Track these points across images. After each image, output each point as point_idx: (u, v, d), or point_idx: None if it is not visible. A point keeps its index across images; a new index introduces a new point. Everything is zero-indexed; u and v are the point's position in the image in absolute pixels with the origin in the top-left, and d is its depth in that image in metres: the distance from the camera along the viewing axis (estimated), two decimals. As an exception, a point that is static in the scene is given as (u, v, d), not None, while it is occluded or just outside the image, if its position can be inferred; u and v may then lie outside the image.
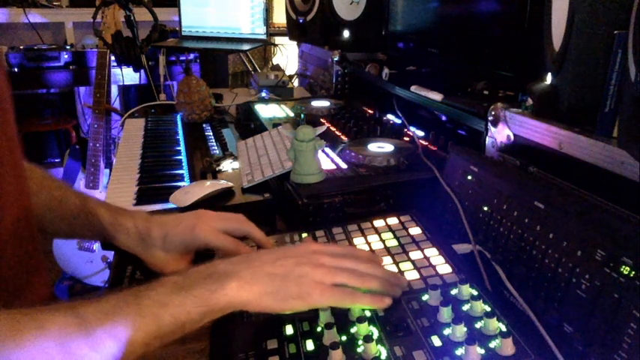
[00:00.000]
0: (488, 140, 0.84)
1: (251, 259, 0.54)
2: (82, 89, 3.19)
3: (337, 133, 1.14)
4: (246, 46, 2.01)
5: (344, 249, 0.63)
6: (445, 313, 0.53)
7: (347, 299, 0.53)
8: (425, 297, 0.57)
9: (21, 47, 2.63)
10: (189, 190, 0.89)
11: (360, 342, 0.50)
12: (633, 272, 0.46)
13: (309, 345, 0.52)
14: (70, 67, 2.59)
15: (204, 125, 1.40)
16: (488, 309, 0.53)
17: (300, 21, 1.67)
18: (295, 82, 2.15)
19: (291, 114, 1.34)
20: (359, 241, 0.70)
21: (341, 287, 0.53)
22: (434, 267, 0.62)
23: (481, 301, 0.53)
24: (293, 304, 0.51)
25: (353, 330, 0.53)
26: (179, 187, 0.95)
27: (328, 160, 0.95)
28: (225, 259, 0.55)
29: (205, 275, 0.51)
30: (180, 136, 1.36)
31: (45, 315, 0.44)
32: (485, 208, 0.69)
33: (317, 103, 1.42)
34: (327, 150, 0.99)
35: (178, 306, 0.48)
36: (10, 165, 0.59)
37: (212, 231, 0.66)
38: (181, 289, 0.49)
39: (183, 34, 2.19)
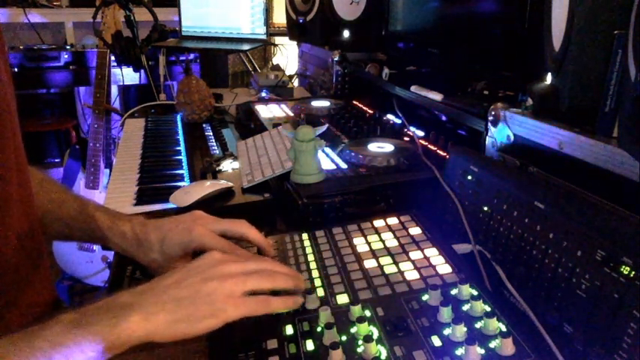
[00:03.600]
0: (488, 140, 0.84)
1: (153, 286, 0.52)
2: (82, 89, 3.19)
3: (337, 133, 1.14)
4: (246, 46, 2.01)
5: (244, 251, 0.64)
6: (445, 313, 0.53)
7: (261, 307, 0.52)
8: (425, 297, 0.57)
9: (21, 47, 2.63)
10: (189, 190, 0.89)
11: (361, 342, 0.50)
12: (633, 272, 0.46)
13: (309, 345, 0.52)
14: (70, 67, 2.59)
15: (204, 125, 1.40)
16: (488, 309, 0.53)
17: (300, 21, 1.67)
18: (295, 82, 2.15)
19: (291, 114, 1.34)
20: (359, 241, 0.70)
21: (253, 296, 0.52)
22: (434, 267, 0.62)
23: (481, 301, 0.53)
24: (207, 323, 0.49)
25: (353, 330, 0.53)
26: (179, 187, 0.95)
27: (328, 160, 0.95)
28: (129, 289, 0.52)
29: (104, 310, 0.48)
30: (180, 136, 1.36)
31: None
32: (485, 208, 0.69)
33: (317, 103, 1.42)
34: (327, 150, 0.99)
35: (73, 346, 0.44)
36: (16, 175, 0.59)
37: (208, 233, 0.66)
38: (78, 326, 0.46)
39: (183, 34, 2.19)
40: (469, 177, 0.74)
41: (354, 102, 1.45)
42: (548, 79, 0.73)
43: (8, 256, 0.57)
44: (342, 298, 0.59)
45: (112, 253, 0.77)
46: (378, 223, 0.74)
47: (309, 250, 0.69)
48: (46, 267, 0.68)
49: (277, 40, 2.43)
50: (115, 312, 0.48)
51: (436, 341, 0.50)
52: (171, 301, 0.50)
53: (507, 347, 0.48)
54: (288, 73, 2.17)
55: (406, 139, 1.06)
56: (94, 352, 0.45)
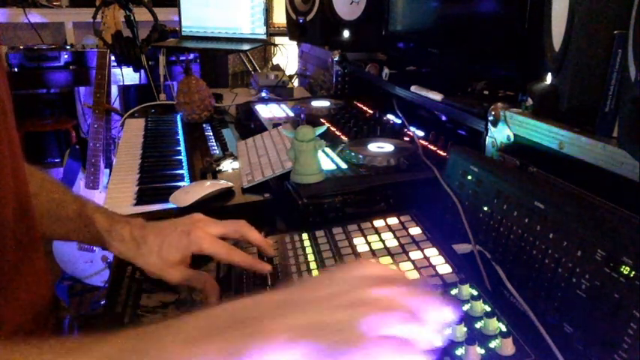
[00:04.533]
0: (488, 140, 0.84)
1: (289, 302, 0.41)
2: (82, 89, 3.19)
3: (337, 133, 1.14)
4: (246, 46, 2.01)
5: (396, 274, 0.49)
6: (445, 313, 0.52)
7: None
8: (425, 297, 0.56)
9: (21, 47, 2.63)
10: (189, 190, 0.89)
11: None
12: (633, 272, 0.46)
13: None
14: (70, 67, 2.59)
15: (204, 125, 1.40)
16: (488, 309, 0.53)
17: (300, 21, 1.67)
18: (295, 82, 2.15)
19: (291, 114, 1.34)
20: (359, 241, 0.70)
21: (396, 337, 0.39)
22: (434, 267, 0.62)
23: (481, 301, 0.53)
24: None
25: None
26: (179, 187, 0.95)
27: (328, 160, 0.95)
28: (258, 296, 0.42)
29: (229, 322, 0.39)
30: (180, 136, 1.36)
31: None
32: (485, 208, 0.69)
33: (317, 103, 1.42)
34: (327, 150, 0.99)
35: None
36: (9, 158, 0.58)
37: (207, 236, 0.66)
38: (195, 339, 0.38)
39: (183, 34, 2.19)
40: (469, 177, 0.74)
41: (354, 102, 1.45)
42: (548, 79, 0.73)
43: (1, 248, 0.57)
44: (342, 298, 0.58)
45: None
46: (378, 223, 0.74)
47: (309, 250, 0.69)
48: (43, 268, 0.68)
49: (277, 40, 2.43)
50: (242, 327, 0.39)
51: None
52: (309, 326, 0.38)
53: (507, 347, 0.48)
54: (288, 73, 2.17)
55: (406, 139, 1.06)
56: None
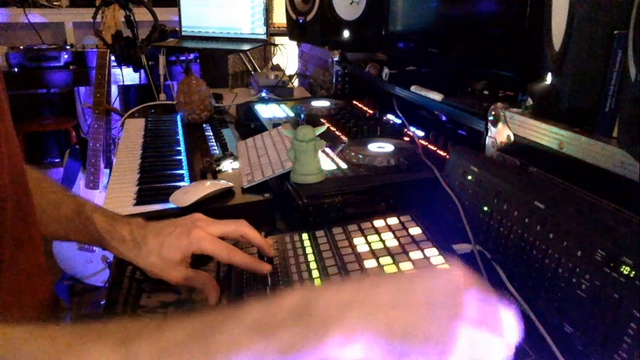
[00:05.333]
0: (488, 140, 0.84)
1: (362, 298, 0.39)
2: (82, 89, 3.20)
3: (337, 133, 1.14)
4: (246, 46, 2.01)
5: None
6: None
7: None
8: (425, 297, 0.56)
9: (21, 47, 2.63)
10: (189, 190, 0.89)
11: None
12: (633, 272, 0.46)
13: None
14: (70, 67, 2.59)
15: (204, 125, 1.40)
16: (489, 309, 0.53)
17: (300, 21, 1.67)
18: (295, 82, 2.15)
19: (291, 114, 1.34)
20: (359, 241, 0.70)
21: None
22: (434, 267, 0.62)
23: (481, 301, 0.53)
24: None
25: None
26: (179, 187, 0.95)
27: (328, 160, 0.95)
28: (326, 289, 0.41)
29: (297, 315, 0.38)
30: (180, 136, 1.36)
31: (87, 346, 0.37)
32: (485, 208, 0.69)
33: (317, 103, 1.42)
34: (327, 150, 0.99)
35: (257, 352, 0.37)
36: (6, 155, 0.58)
37: (207, 236, 0.66)
38: (262, 329, 0.38)
39: (183, 34, 2.19)
40: (469, 177, 0.74)
41: (354, 102, 1.46)
42: (548, 79, 0.73)
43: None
44: (342, 298, 0.58)
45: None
46: (378, 223, 0.74)
47: (309, 250, 0.69)
48: (43, 267, 0.68)
49: (277, 40, 2.43)
50: (310, 320, 0.38)
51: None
52: (383, 323, 0.37)
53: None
54: (288, 73, 2.17)
55: (406, 139, 1.06)
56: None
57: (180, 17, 2.19)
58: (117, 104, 2.65)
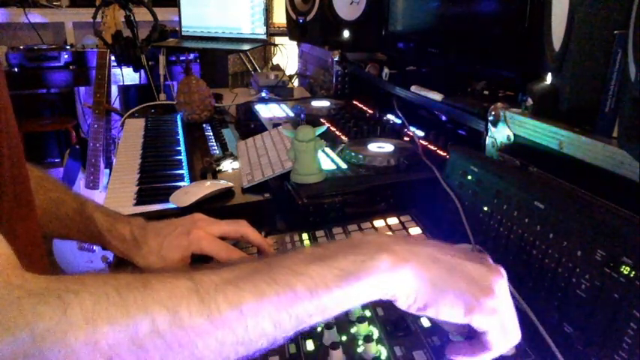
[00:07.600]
0: (488, 140, 0.84)
1: (407, 240, 0.47)
2: (82, 89, 3.19)
3: (337, 133, 1.14)
4: (246, 46, 2.01)
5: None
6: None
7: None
8: (425, 297, 0.56)
9: (21, 47, 2.63)
10: (189, 190, 0.89)
11: (361, 342, 0.50)
12: (633, 272, 0.46)
13: (309, 345, 0.52)
14: (70, 67, 2.59)
15: (204, 125, 1.40)
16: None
17: (300, 21, 1.67)
18: (295, 82, 2.15)
19: (291, 114, 1.34)
20: (359, 241, 0.70)
21: None
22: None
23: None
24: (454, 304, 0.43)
25: (353, 330, 0.53)
26: (179, 187, 0.95)
27: (328, 160, 0.95)
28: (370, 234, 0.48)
29: (350, 245, 0.44)
30: (180, 136, 1.36)
31: (161, 277, 0.39)
32: (485, 208, 0.69)
33: (317, 103, 1.42)
34: (327, 150, 0.99)
35: (316, 277, 0.40)
36: (7, 151, 0.58)
37: (207, 236, 0.66)
38: (320, 259, 0.42)
39: (183, 34, 2.19)
40: (469, 177, 0.74)
41: (354, 102, 1.45)
42: (548, 79, 0.73)
43: None
44: (342, 298, 0.58)
45: (112, 253, 0.77)
46: (378, 223, 0.74)
47: (309, 250, 0.69)
48: (43, 266, 0.67)
49: (277, 40, 2.43)
50: (361, 248, 0.43)
51: (436, 341, 0.50)
52: (427, 256, 0.44)
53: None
54: (288, 73, 2.17)
55: (406, 139, 1.06)
56: (337, 290, 0.41)
57: (180, 17, 2.19)
58: (117, 104, 2.64)
